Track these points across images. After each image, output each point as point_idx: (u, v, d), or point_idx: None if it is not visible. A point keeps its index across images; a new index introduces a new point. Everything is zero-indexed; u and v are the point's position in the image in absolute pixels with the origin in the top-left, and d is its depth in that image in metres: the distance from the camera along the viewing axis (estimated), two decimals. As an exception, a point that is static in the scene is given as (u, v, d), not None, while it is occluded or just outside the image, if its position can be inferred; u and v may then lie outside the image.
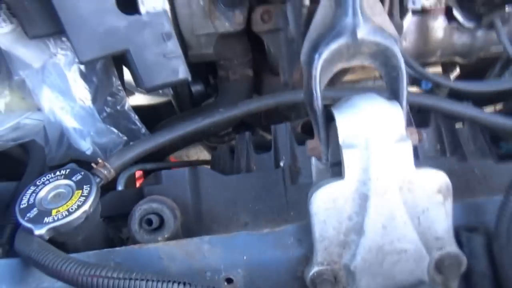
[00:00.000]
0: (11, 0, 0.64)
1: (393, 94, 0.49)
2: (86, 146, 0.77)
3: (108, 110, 0.85)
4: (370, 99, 0.47)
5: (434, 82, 0.71)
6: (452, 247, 0.46)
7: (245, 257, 0.49)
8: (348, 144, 0.45)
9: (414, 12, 0.74)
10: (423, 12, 0.74)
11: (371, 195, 0.44)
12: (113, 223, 0.62)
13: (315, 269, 0.46)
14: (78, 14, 0.62)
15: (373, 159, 0.44)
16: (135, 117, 0.87)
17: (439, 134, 0.64)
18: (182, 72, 0.69)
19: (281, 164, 0.66)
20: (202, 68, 0.90)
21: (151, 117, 0.93)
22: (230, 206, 0.62)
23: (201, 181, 0.62)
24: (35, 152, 0.71)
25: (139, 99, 1.32)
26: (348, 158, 0.45)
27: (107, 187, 0.63)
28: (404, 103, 0.48)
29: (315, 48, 0.49)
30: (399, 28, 0.70)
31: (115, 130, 0.82)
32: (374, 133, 0.45)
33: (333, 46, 0.48)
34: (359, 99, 0.47)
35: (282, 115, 0.87)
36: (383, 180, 0.44)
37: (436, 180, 0.45)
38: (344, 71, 0.72)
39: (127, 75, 0.89)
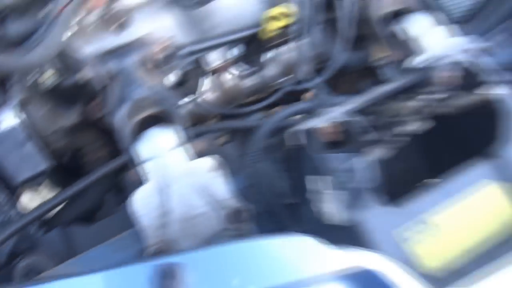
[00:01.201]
0: None
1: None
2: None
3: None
4: (155, 131, 0.72)
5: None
6: (235, 203, 0.69)
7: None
8: (147, 160, 0.69)
9: (209, 72, 1.04)
10: (215, 71, 1.05)
11: (167, 185, 0.67)
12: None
13: (152, 248, 0.66)
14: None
15: (163, 163, 0.68)
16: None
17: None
18: (43, 165, 0.89)
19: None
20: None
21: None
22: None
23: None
24: None
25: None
26: (149, 167, 0.68)
27: None
28: (177, 127, 0.73)
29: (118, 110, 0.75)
30: (195, 87, 0.99)
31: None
32: (160, 148, 0.69)
33: (124, 108, 0.74)
34: (150, 132, 0.72)
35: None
36: (171, 173, 0.67)
37: (206, 164, 0.69)
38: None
39: None
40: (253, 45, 1.00)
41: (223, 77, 1.06)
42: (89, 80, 0.80)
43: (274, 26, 0.88)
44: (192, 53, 0.94)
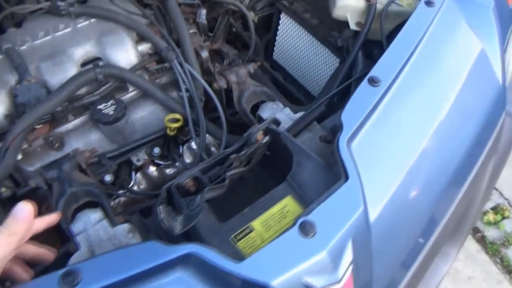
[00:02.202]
0: None
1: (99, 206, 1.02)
2: None
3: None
4: (86, 211, 0.98)
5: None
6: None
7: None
8: (77, 233, 0.94)
9: (137, 168, 1.33)
10: (142, 166, 1.34)
11: (95, 248, 0.91)
12: None
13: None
14: None
15: (90, 233, 0.93)
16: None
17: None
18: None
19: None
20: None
21: None
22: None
23: None
24: None
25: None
26: (79, 238, 0.93)
27: None
28: (105, 207, 1.00)
29: (59, 202, 1.02)
30: (128, 181, 1.28)
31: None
32: (88, 223, 0.95)
33: (63, 199, 1.01)
34: (82, 213, 0.98)
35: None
36: (98, 238, 0.93)
37: (125, 228, 0.95)
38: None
39: None
40: (167, 142, 1.33)
41: (149, 170, 1.36)
42: (37, 187, 1.08)
43: (173, 126, 1.21)
44: (120, 154, 1.26)
